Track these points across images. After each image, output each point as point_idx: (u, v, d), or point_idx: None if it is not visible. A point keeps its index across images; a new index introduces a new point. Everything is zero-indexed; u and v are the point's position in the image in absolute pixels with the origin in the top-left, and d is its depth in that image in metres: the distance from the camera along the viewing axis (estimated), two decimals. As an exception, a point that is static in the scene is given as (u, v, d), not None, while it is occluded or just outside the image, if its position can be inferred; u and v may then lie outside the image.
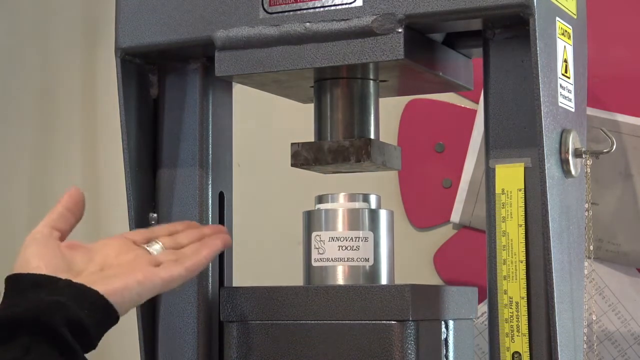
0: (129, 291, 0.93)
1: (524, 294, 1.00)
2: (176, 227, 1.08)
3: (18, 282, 0.92)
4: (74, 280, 0.92)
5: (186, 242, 1.05)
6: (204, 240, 1.06)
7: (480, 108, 1.41)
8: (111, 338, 0.94)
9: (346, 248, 1.09)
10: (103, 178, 1.70)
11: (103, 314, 0.91)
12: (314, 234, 1.11)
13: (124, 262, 0.98)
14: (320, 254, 1.10)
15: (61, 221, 0.99)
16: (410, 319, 1.02)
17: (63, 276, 0.92)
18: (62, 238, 0.98)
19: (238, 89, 1.21)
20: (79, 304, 0.89)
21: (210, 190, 1.17)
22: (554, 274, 0.98)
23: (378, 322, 1.03)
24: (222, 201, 1.18)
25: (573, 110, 1.06)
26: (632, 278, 1.37)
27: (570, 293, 1.02)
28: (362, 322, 1.04)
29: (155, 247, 1.03)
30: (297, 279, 1.14)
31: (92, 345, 0.90)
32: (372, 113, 1.13)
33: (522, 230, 1.01)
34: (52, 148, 1.75)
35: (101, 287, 0.91)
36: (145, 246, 1.03)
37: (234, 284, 1.18)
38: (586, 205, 1.08)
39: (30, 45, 1.78)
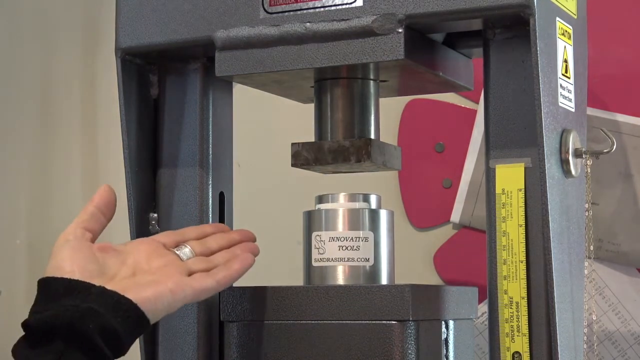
0: (161, 300, 0.94)
1: (524, 294, 1.00)
2: (205, 230, 1.08)
3: (51, 287, 0.92)
4: (107, 286, 0.92)
5: (215, 247, 1.06)
6: (234, 250, 1.06)
7: (480, 108, 1.41)
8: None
9: (346, 248, 1.09)
10: (103, 178, 1.70)
11: (135, 322, 0.91)
12: (314, 234, 1.11)
13: (155, 267, 0.99)
14: (321, 254, 1.10)
15: (93, 222, 0.99)
16: (410, 319, 1.02)
17: (96, 281, 0.92)
18: (93, 239, 0.98)
19: (238, 89, 1.21)
20: (112, 312, 0.90)
21: (210, 190, 1.17)
22: (554, 274, 0.98)
23: (378, 322, 1.03)
24: (222, 201, 1.18)
25: (573, 110, 1.06)
26: (632, 278, 1.37)
27: (570, 293, 1.02)
28: (362, 322, 1.04)
29: (185, 251, 1.03)
30: (297, 279, 1.14)
31: (123, 352, 0.91)
32: (372, 113, 1.13)
33: (522, 230, 1.01)
34: (52, 148, 1.75)
35: (134, 295, 0.92)
36: (175, 250, 1.03)
37: (234, 284, 1.18)
38: (586, 205, 1.08)
39: (30, 45, 1.78)
